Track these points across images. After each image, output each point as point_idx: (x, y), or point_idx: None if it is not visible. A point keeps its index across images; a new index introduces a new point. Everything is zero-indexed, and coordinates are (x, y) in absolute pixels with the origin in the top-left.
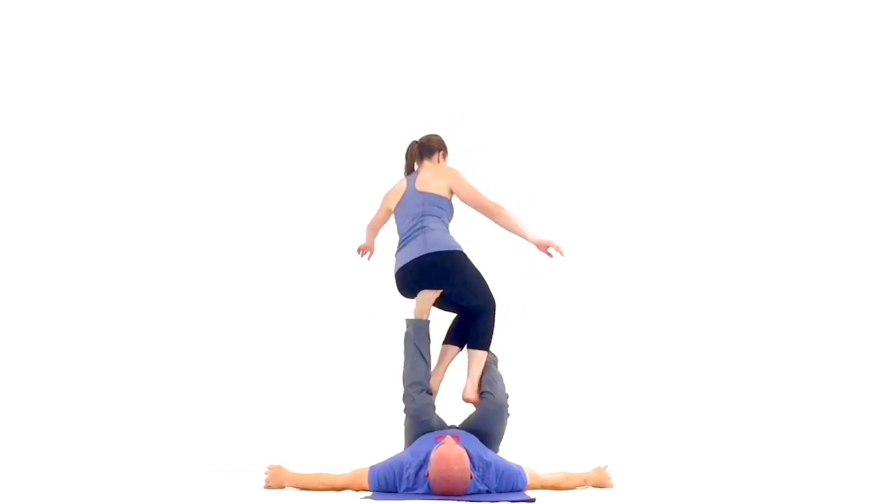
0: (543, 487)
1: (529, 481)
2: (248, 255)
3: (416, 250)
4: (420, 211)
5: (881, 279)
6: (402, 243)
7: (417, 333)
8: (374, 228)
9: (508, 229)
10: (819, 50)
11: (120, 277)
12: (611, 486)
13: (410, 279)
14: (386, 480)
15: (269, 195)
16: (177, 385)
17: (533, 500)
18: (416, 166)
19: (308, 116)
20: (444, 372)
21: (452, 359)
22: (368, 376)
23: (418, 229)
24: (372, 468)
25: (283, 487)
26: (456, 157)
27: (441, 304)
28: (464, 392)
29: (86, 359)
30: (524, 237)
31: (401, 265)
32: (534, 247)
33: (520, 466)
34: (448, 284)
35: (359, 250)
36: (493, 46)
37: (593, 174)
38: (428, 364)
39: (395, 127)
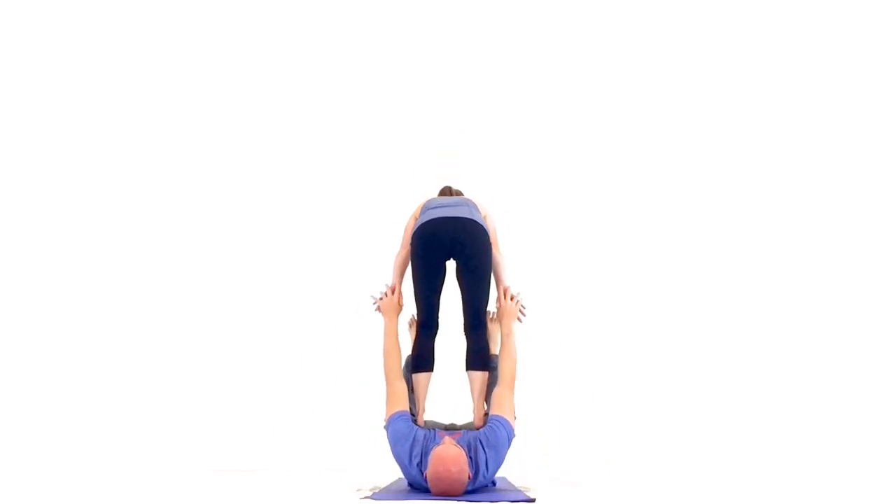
0: (512, 364)
1: (505, 399)
2: (247, 257)
3: (464, 213)
4: (467, 206)
5: (879, 278)
6: (443, 205)
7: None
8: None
9: (494, 266)
10: (818, 50)
11: (119, 278)
12: (523, 314)
13: (450, 231)
14: (400, 436)
15: (263, 196)
16: (176, 385)
17: (533, 501)
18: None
19: (303, 117)
20: (424, 402)
21: (427, 386)
22: (367, 376)
23: (465, 205)
24: (392, 416)
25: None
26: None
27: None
28: (475, 420)
29: (85, 359)
30: (498, 278)
31: (443, 216)
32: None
33: (499, 419)
34: (476, 255)
35: (383, 295)
36: (492, 47)
37: (592, 175)
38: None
39: (393, 126)
